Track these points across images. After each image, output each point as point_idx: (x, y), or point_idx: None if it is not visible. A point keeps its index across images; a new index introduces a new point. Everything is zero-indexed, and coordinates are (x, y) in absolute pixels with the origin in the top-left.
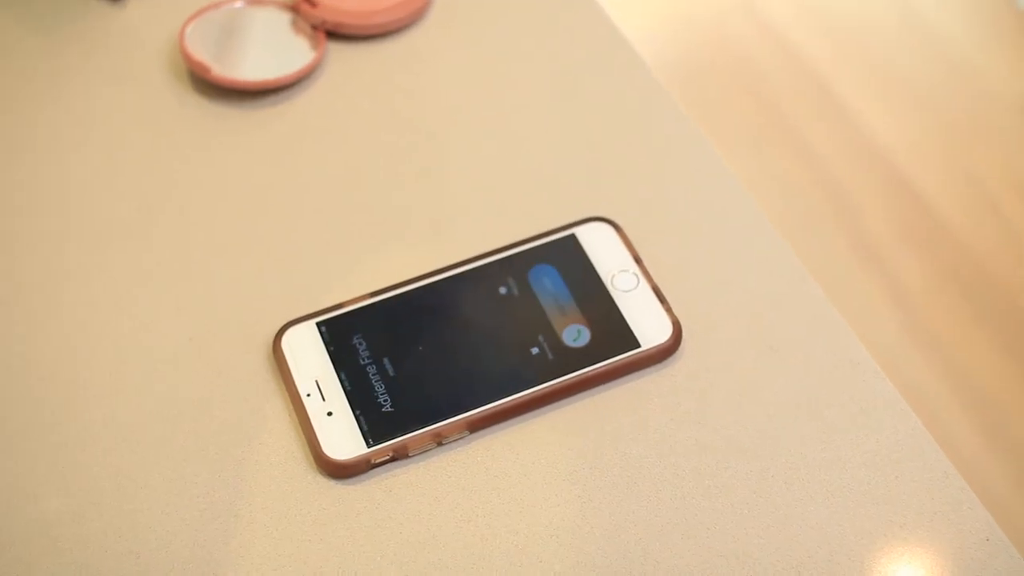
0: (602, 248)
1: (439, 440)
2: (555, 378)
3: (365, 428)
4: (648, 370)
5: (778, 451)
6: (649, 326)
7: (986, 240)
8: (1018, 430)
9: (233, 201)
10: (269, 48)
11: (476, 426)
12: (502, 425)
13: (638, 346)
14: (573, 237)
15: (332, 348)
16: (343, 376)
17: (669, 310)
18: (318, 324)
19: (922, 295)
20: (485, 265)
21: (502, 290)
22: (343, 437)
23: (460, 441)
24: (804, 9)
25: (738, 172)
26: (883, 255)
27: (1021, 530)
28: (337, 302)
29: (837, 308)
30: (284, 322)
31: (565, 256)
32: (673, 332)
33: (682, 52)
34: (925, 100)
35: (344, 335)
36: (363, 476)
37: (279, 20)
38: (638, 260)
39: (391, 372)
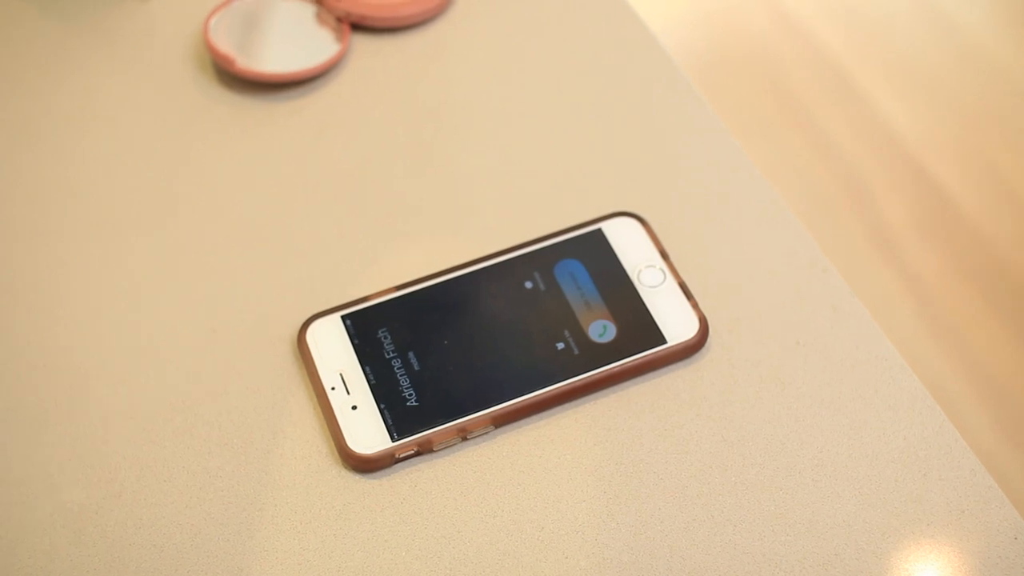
0: (629, 243)
1: (464, 435)
2: (581, 373)
3: (390, 422)
4: (674, 366)
5: (804, 447)
6: (675, 322)
7: (1004, 230)
8: None
9: (257, 193)
10: (294, 40)
11: (501, 421)
12: (527, 420)
13: (664, 342)
14: (600, 232)
15: (357, 341)
16: (368, 369)
17: (696, 306)
18: (343, 317)
19: (939, 285)
20: (511, 259)
21: (528, 284)
22: (368, 431)
23: (485, 436)
24: None
25: (755, 162)
26: (900, 245)
27: None
28: (362, 295)
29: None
30: (309, 315)
31: (591, 251)
32: (700, 328)
33: (700, 43)
34: (942, 88)
35: (369, 328)
36: (388, 470)
37: (304, 12)
38: (665, 255)
39: (416, 366)
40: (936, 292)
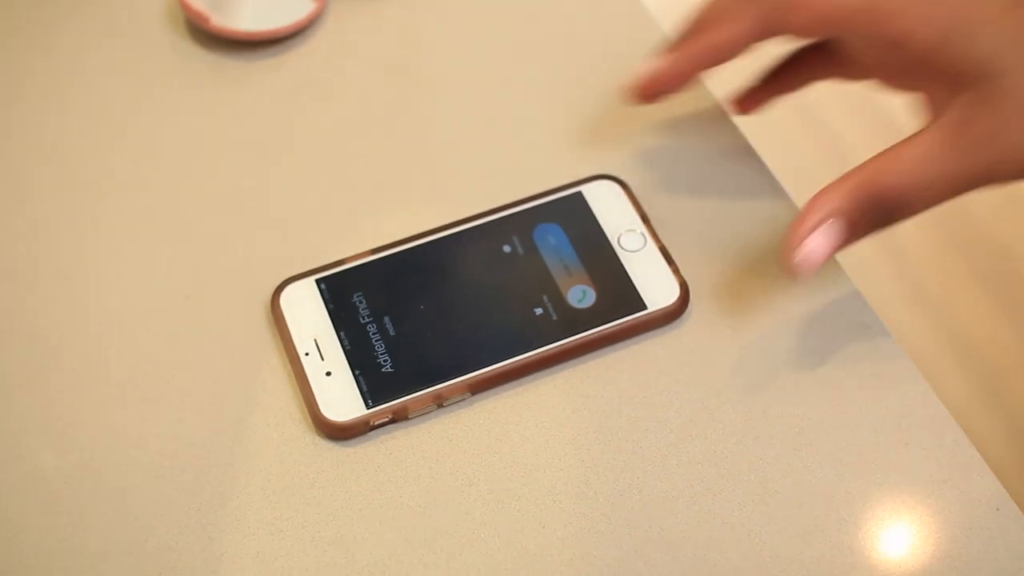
0: (609, 207)
1: (440, 402)
2: (559, 339)
3: (364, 389)
4: (654, 332)
5: (785, 416)
6: (656, 287)
7: (981, 195)
8: (1010, 385)
9: (231, 154)
10: None
11: (478, 388)
12: (504, 387)
13: (644, 308)
14: (580, 195)
15: (332, 306)
16: (342, 335)
17: (676, 271)
18: (317, 281)
19: (915, 247)
20: (489, 223)
21: (506, 248)
22: (342, 398)
23: (461, 403)
24: None
25: None
26: None
27: (1013, 487)
28: (337, 258)
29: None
30: (283, 278)
31: (571, 214)
32: (680, 294)
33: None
34: None
35: (344, 293)
36: (362, 438)
37: None
38: (645, 219)
39: (392, 331)
40: (912, 253)
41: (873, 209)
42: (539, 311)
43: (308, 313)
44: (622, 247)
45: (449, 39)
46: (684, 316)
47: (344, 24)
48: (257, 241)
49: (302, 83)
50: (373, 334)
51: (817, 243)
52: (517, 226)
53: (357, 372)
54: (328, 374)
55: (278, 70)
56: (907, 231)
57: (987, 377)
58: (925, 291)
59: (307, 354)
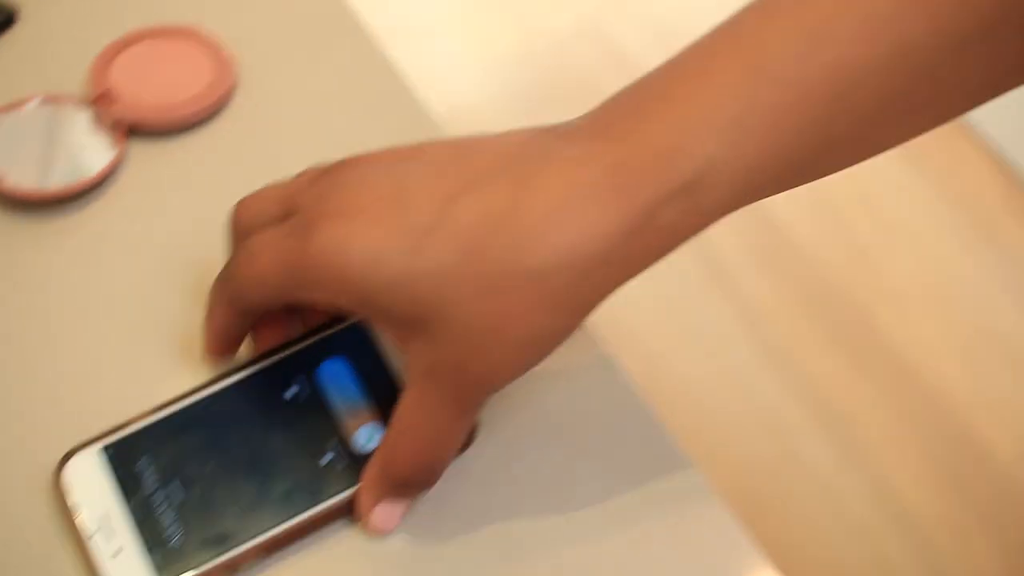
0: None
1: (233, 570)
2: (349, 487)
3: (156, 565)
4: (452, 466)
5: (589, 547)
6: None
7: (833, 254)
8: (870, 445)
9: (15, 320)
10: (66, 150)
11: (272, 549)
12: (300, 545)
13: None
14: (359, 325)
15: (119, 474)
16: (132, 506)
17: None
18: (104, 448)
19: (772, 312)
20: (270, 365)
21: (289, 393)
22: None
23: (258, 567)
24: (651, 32)
25: None
26: (731, 272)
27: (876, 547)
28: (122, 421)
29: (687, 328)
30: (66, 450)
31: (355, 347)
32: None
33: (530, 79)
34: None
35: (130, 459)
36: None
37: (76, 119)
38: None
39: (180, 497)
40: (769, 318)
41: (407, 487)
42: (327, 459)
43: (95, 486)
44: None
45: (249, 178)
46: (472, 444)
47: (144, 172)
48: (40, 410)
49: (97, 240)
50: (161, 503)
51: (381, 519)
52: (301, 366)
53: (148, 547)
54: (118, 552)
55: (75, 227)
56: (760, 289)
57: (848, 438)
58: (782, 354)
59: (95, 532)
